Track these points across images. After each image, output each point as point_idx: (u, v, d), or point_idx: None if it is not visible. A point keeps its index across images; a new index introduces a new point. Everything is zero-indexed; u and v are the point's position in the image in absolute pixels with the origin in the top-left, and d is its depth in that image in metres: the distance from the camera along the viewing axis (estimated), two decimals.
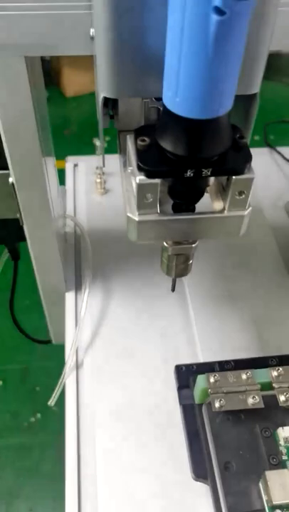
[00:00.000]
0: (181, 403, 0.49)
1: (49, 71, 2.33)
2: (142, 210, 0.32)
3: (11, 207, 0.55)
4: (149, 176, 0.30)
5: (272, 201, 0.77)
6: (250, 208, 0.34)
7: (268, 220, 0.74)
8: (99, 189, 0.78)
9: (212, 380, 0.45)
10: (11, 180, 0.52)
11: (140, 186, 0.31)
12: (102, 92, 0.32)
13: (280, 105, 2.15)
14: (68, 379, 0.58)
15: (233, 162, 0.31)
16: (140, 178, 0.30)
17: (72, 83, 2.25)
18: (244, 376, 0.45)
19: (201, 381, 0.45)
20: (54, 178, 0.63)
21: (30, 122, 0.44)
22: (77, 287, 0.67)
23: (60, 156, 0.88)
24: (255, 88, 0.33)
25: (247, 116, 0.36)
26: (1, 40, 0.34)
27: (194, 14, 0.23)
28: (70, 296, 0.66)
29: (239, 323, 0.61)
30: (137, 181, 0.30)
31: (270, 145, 0.85)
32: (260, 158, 0.84)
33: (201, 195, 0.34)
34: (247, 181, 0.32)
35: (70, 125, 2.17)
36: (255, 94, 0.34)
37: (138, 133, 0.32)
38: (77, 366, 0.59)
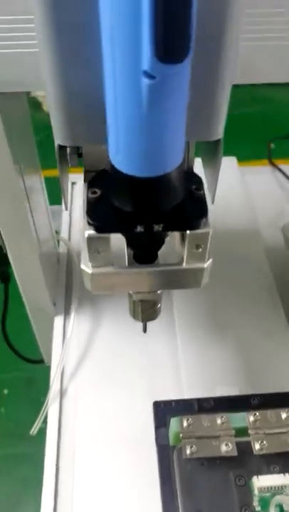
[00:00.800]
0: (157, 443, 0.48)
1: None
2: (95, 263, 0.31)
3: None
4: (97, 230, 0.29)
5: (271, 222, 0.74)
6: (211, 260, 0.32)
7: (265, 241, 0.71)
8: None
9: (185, 423, 0.43)
10: None
11: (90, 240, 0.30)
12: (56, 139, 0.31)
13: None
14: (51, 407, 0.58)
15: (188, 216, 0.29)
16: (89, 232, 0.29)
17: None
18: (219, 420, 0.43)
19: (174, 424, 0.44)
20: (41, 200, 0.62)
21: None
22: (67, 311, 0.66)
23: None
24: (217, 134, 0.31)
25: (214, 161, 0.34)
26: None
27: (124, 77, 0.22)
28: (58, 321, 0.65)
29: (227, 355, 0.59)
30: (86, 235, 0.29)
31: (273, 163, 0.82)
32: (262, 176, 0.81)
33: (160, 245, 0.33)
34: (203, 236, 0.30)
35: None
36: (218, 140, 0.32)
37: (91, 183, 0.30)
38: (62, 394, 0.59)
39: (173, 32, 0.20)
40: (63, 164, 0.34)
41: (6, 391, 1.33)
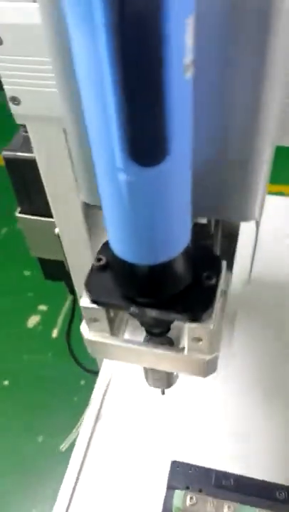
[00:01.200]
0: (163, 507, 0.45)
1: None
2: (92, 328, 0.30)
3: (59, 251, 0.56)
4: (93, 301, 0.28)
5: None
6: (217, 353, 0.28)
7: None
8: None
9: (188, 501, 0.40)
10: (56, 231, 0.53)
11: (85, 309, 0.28)
12: (81, 196, 0.30)
13: None
14: (84, 428, 0.58)
15: (189, 306, 0.26)
16: (84, 301, 0.28)
17: None
18: (226, 510, 0.39)
19: (176, 498, 0.41)
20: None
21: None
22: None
23: None
24: (250, 215, 0.28)
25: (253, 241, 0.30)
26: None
27: (106, 169, 0.20)
28: None
29: (267, 432, 0.53)
30: (80, 304, 0.28)
31: None
32: None
33: (167, 325, 0.30)
34: (203, 330, 0.26)
35: None
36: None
37: (101, 249, 0.29)
38: (97, 417, 0.59)
39: (142, 133, 0.17)
40: (92, 221, 0.33)
41: (82, 382, 1.38)
